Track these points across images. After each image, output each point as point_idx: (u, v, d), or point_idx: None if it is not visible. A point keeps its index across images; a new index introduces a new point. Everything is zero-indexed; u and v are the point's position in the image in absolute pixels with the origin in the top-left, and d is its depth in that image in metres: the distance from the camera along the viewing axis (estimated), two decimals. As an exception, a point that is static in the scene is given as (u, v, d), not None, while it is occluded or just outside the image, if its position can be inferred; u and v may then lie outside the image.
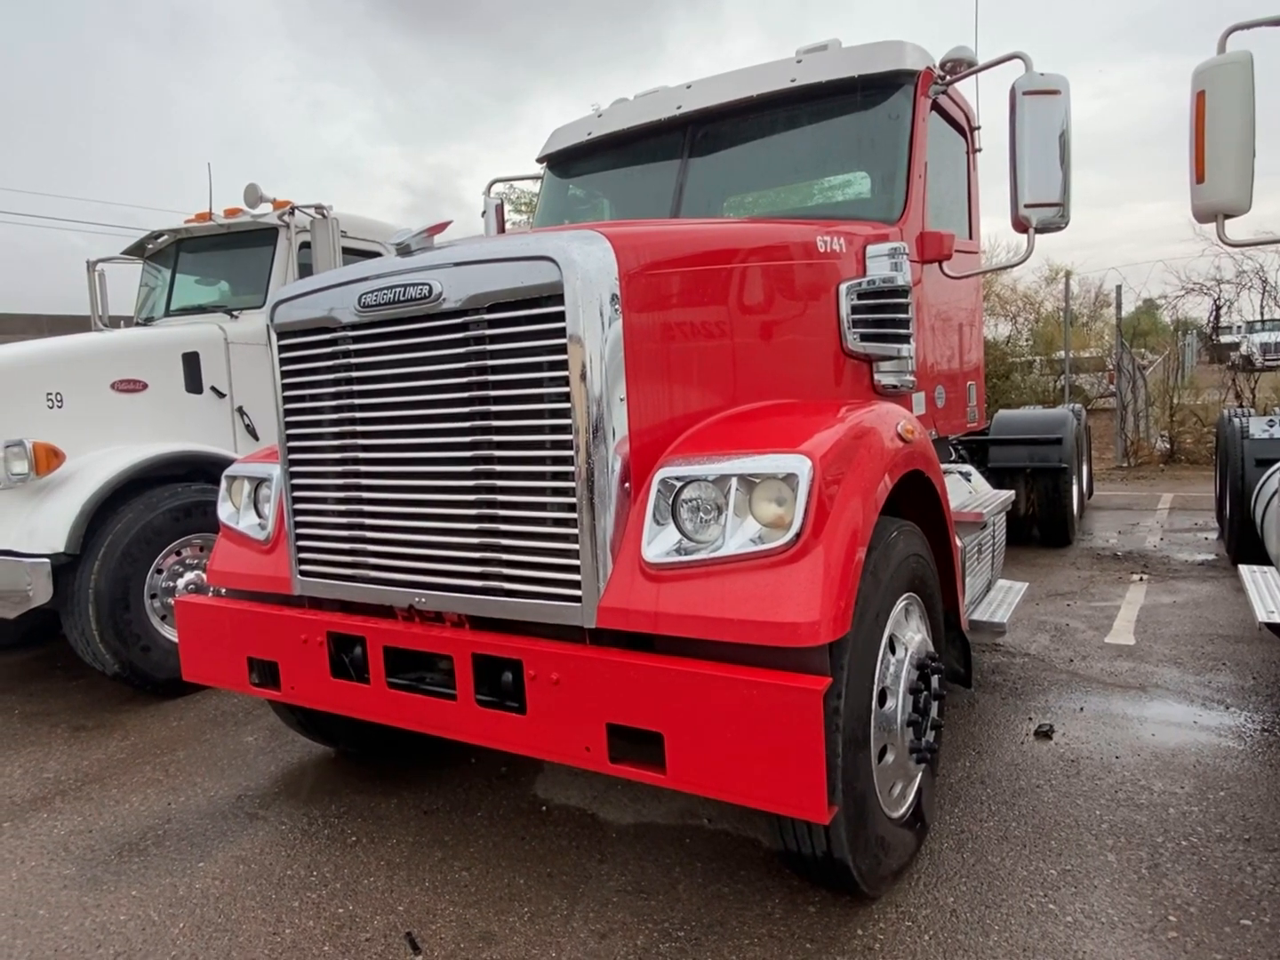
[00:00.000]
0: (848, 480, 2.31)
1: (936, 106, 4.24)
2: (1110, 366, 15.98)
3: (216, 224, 6.17)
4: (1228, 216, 3.35)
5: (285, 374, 3.03)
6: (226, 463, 4.03)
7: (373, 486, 2.82)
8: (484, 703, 2.51)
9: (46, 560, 4.45)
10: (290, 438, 3.05)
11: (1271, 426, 6.43)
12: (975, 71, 4.11)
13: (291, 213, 5.94)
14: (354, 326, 2.77)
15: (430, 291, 2.54)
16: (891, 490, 2.54)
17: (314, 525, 3.02)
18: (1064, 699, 4.22)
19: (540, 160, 5.16)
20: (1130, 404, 13.82)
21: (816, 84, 4.07)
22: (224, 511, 3.48)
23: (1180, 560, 7.14)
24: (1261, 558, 5.15)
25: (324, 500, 2.98)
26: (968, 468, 4.97)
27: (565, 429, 2.39)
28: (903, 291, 3.61)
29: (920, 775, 2.80)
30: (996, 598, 4.25)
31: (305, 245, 5.94)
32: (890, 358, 3.68)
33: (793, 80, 4.12)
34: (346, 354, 2.82)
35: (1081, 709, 4.08)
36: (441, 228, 2.71)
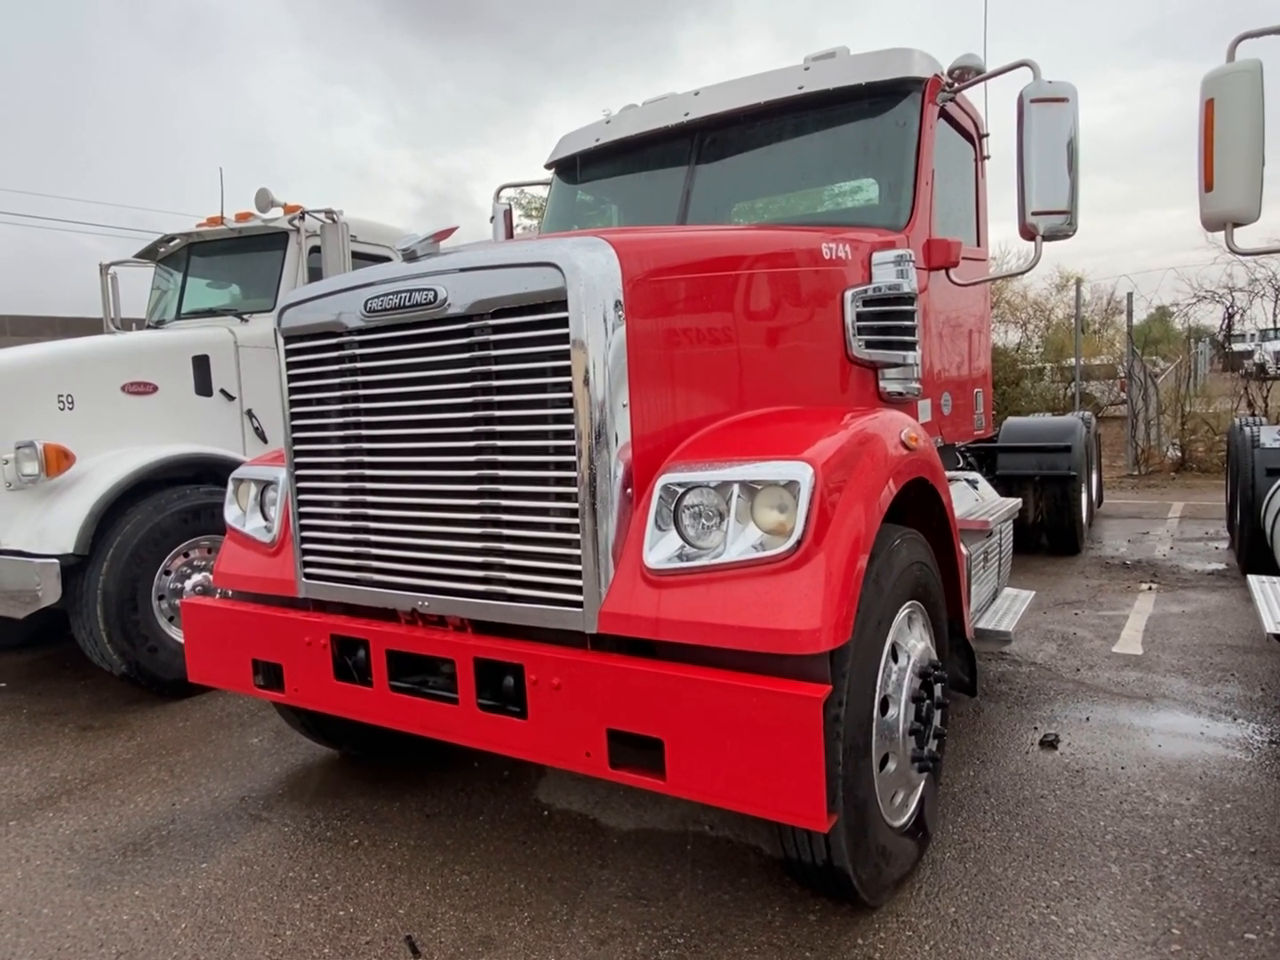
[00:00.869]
0: (850, 488, 2.31)
1: (944, 114, 4.24)
2: (1121, 374, 15.91)
3: (228, 228, 6.22)
4: (1237, 225, 3.34)
5: (292, 378, 3.05)
6: (235, 465, 4.06)
7: (377, 490, 2.84)
8: (485, 707, 2.52)
9: (56, 561, 4.49)
10: (296, 441, 3.07)
11: (1282, 435, 6.38)
12: (983, 79, 4.11)
13: (302, 217, 5.99)
14: (360, 331, 2.79)
15: (435, 297, 2.55)
16: (895, 498, 2.54)
17: (319, 528, 3.04)
18: (1070, 708, 4.20)
19: (548, 166, 5.19)
20: (1141, 412, 13.75)
21: (824, 91, 4.08)
22: (230, 514, 3.50)
23: (1190, 569, 7.09)
24: (1271, 568, 5.11)
25: (329, 504, 2.99)
26: (975, 475, 4.94)
27: (568, 434, 2.39)
28: (908, 299, 3.60)
29: (922, 784, 2.79)
30: (1003, 606, 4.23)
31: (315, 250, 5.98)
32: (896, 365, 3.68)
33: (800, 87, 4.13)
34: (352, 358, 2.83)
35: (1088, 719, 4.06)
36: (447, 233, 2.73)
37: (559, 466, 2.43)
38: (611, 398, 2.38)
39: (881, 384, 3.70)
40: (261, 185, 5.84)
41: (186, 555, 5.00)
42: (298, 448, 3.07)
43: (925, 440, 2.86)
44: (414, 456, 2.73)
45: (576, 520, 2.39)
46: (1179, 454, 13.39)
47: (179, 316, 6.35)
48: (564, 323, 2.36)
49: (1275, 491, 5.46)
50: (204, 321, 6.09)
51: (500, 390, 2.50)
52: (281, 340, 3.06)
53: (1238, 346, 20.91)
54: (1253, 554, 6.02)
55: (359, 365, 2.82)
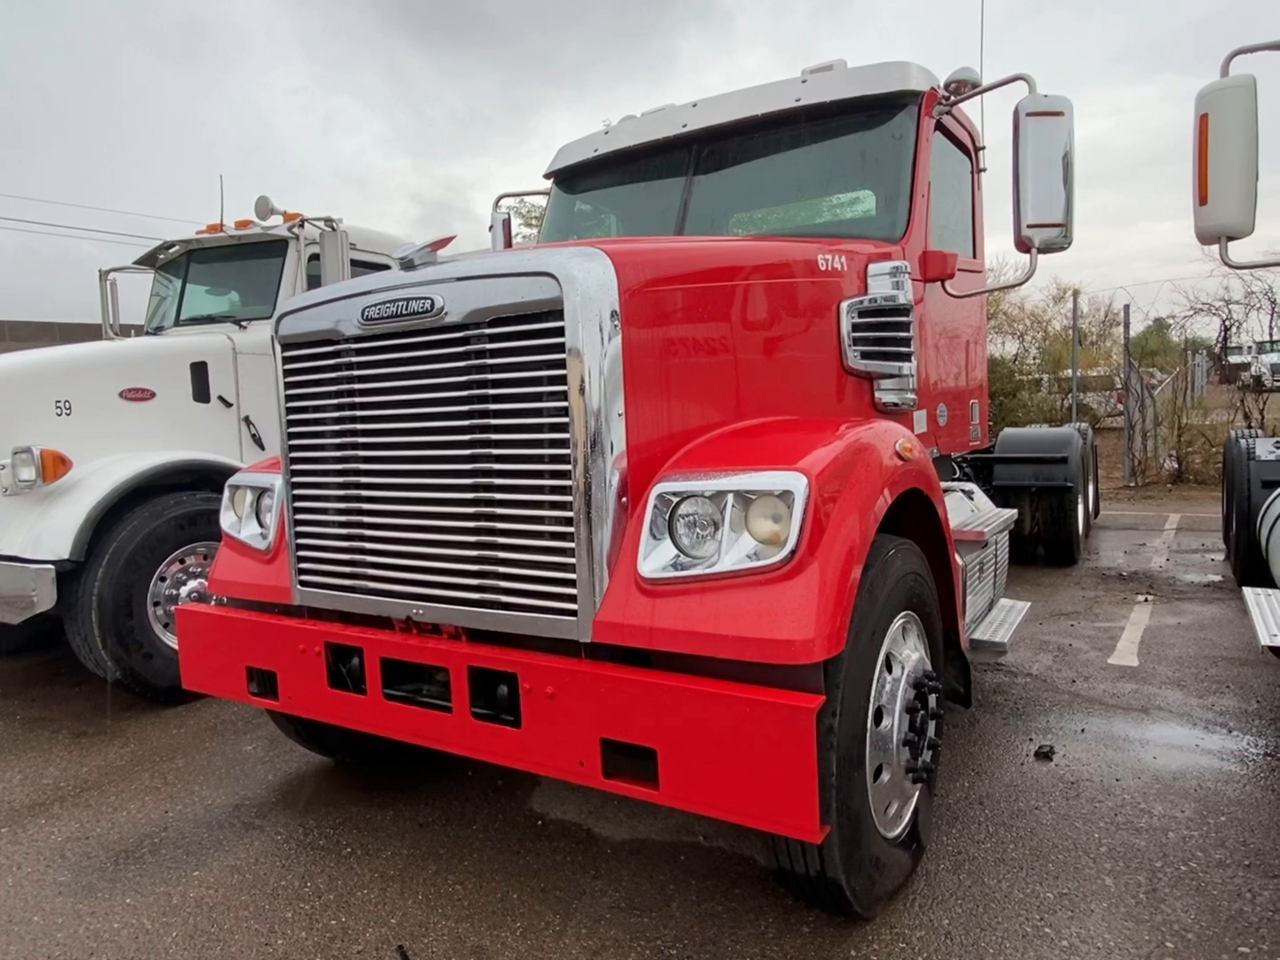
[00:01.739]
0: (844, 498, 2.32)
1: (941, 127, 4.26)
2: (1118, 386, 15.95)
3: (227, 235, 6.24)
4: (1230, 238, 3.36)
5: (289, 385, 3.06)
6: (231, 472, 4.06)
7: (373, 498, 2.84)
8: (479, 715, 2.52)
9: (51, 566, 4.48)
10: (292, 448, 3.08)
11: (1278, 448, 6.39)
12: (979, 93, 4.14)
13: (301, 225, 6.01)
14: (357, 339, 2.79)
15: (432, 305, 2.56)
16: (891, 508, 2.54)
17: (314, 536, 3.04)
18: (1065, 720, 4.19)
19: (547, 176, 5.21)
20: (1138, 423, 13.77)
21: (821, 104, 4.10)
22: (226, 521, 3.50)
23: (1186, 581, 7.09)
24: (1267, 580, 5.11)
25: (324, 511, 3.00)
26: (970, 485, 4.95)
27: (563, 443, 2.40)
28: (904, 310, 3.62)
29: (917, 795, 2.78)
30: (998, 617, 4.23)
31: (314, 257, 6.00)
32: (891, 375, 3.69)
33: (798, 100, 4.15)
34: (349, 366, 2.84)
35: (1083, 730, 4.06)
36: (445, 242, 2.74)
37: (554, 475, 2.43)
38: (607, 407, 2.39)
39: (877, 395, 3.72)
40: (261, 193, 5.87)
41: (182, 562, 4.99)
42: (294, 455, 3.07)
43: (920, 451, 2.87)
44: (410, 464, 2.73)
45: (571, 529, 2.39)
46: (1176, 466, 13.41)
47: (178, 323, 6.37)
48: (560, 332, 2.37)
49: (1271, 503, 5.48)
50: (202, 328, 6.10)
51: (496, 399, 2.51)
52: (279, 348, 3.06)
53: (1234, 359, 20.98)
54: (1248, 566, 6.02)
55: (356, 373, 2.82)
